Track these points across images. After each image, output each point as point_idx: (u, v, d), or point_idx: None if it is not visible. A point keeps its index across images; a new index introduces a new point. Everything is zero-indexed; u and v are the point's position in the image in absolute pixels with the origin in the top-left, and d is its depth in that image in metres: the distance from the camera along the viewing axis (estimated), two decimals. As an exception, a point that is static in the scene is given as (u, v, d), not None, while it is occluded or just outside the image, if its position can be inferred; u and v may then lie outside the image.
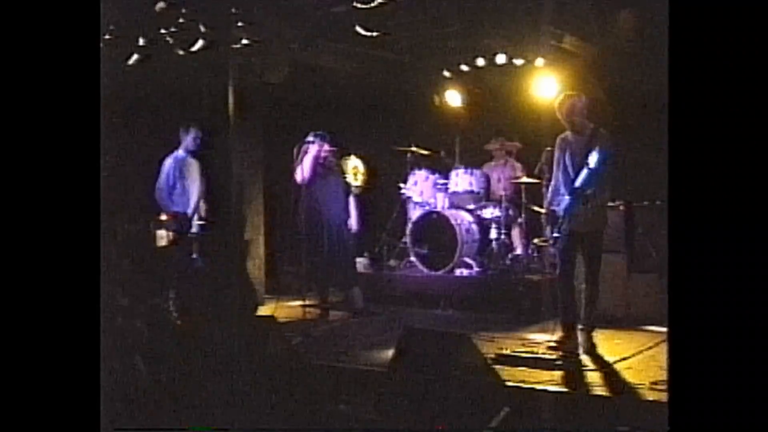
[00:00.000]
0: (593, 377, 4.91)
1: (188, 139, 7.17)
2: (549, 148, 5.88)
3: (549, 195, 5.84)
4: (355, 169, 8.19)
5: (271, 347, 5.37)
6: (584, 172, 5.33)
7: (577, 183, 5.38)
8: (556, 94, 7.45)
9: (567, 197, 5.45)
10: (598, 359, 5.34)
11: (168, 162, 7.20)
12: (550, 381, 4.76)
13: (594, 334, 5.59)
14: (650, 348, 5.63)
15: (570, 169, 5.53)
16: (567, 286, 5.62)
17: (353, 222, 7.45)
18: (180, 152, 7.21)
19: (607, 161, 5.31)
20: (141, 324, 5.22)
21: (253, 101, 7.88)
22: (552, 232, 5.55)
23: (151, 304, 6.15)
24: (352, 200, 7.51)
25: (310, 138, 7.19)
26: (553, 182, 5.79)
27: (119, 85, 7.35)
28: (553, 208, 5.61)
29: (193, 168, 7.13)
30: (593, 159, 5.29)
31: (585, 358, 5.33)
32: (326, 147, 7.27)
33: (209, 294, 6.63)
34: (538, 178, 7.71)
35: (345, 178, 7.65)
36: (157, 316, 5.98)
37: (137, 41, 6.67)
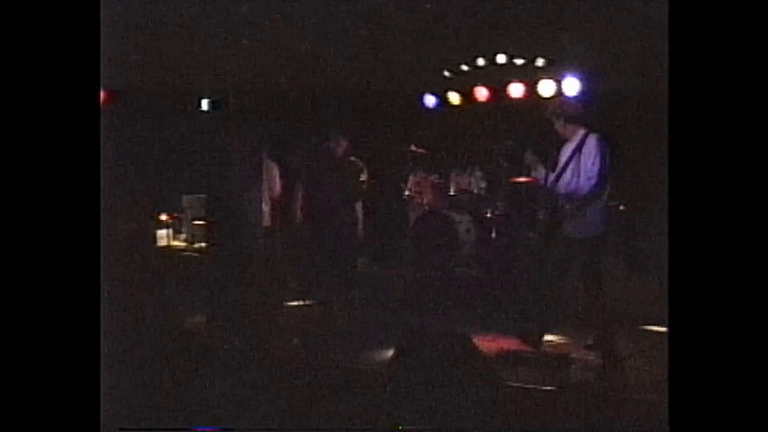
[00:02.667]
0: (593, 377, 4.91)
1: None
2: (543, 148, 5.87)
3: (546, 196, 5.80)
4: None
5: (271, 347, 5.38)
6: (582, 181, 5.33)
7: (580, 191, 5.35)
8: (552, 96, 7.53)
9: (567, 205, 5.42)
10: (598, 359, 5.35)
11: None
12: (550, 381, 4.76)
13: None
14: (650, 348, 5.64)
15: (567, 174, 5.48)
16: (556, 293, 5.63)
17: (359, 224, 7.41)
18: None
19: (606, 167, 5.32)
20: (141, 324, 5.23)
21: (253, 101, 7.89)
22: (548, 235, 5.57)
23: (151, 303, 6.14)
24: (359, 203, 7.44)
25: (326, 135, 7.11)
26: (549, 185, 5.77)
27: (119, 84, 7.38)
28: (546, 210, 5.61)
29: None
30: (592, 167, 5.30)
31: (585, 359, 5.33)
32: (342, 145, 7.18)
33: (212, 294, 6.63)
34: (537, 178, 7.71)
35: (355, 177, 7.51)
36: (157, 315, 5.97)
37: (137, 41, 6.68)
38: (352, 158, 7.95)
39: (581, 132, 5.47)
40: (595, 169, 5.30)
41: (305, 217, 7.22)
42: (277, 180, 7.54)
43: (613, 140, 5.52)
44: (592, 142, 5.39)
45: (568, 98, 5.73)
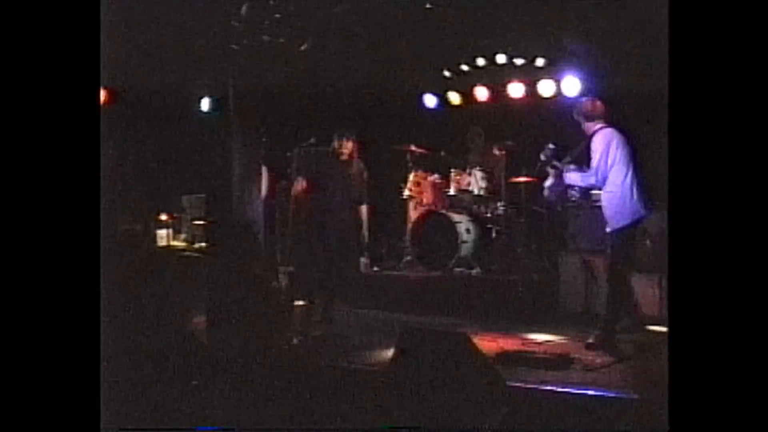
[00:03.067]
0: (593, 377, 4.91)
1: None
2: (551, 146, 5.90)
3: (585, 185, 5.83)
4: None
5: (271, 347, 5.37)
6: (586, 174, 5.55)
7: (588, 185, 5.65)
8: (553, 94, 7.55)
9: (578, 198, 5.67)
10: (598, 359, 5.34)
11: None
12: (550, 381, 4.76)
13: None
14: (650, 348, 5.64)
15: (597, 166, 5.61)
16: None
17: (364, 227, 7.35)
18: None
19: (610, 159, 5.45)
20: (141, 324, 5.23)
21: (253, 101, 7.88)
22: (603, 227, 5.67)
23: (151, 303, 6.14)
24: (364, 207, 7.36)
25: (331, 136, 7.03)
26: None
27: (119, 84, 7.37)
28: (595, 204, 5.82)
29: None
30: (592, 160, 5.48)
31: (584, 358, 5.33)
32: (348, 146, 7.07)
33: (212, 294, 6.62)
34: (538, 177, 7.71)
35: (360, 179, 7.37)
36: (157, 315, 5.97)
37: (137, 41, 6.68)
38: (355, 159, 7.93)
39: (596, 128, 5.62)
40: (594, 161, 5.47)
41: (306, 218, 7.18)
42: (265, 183, 7.49)
43: (628, 133, 5.64)
44: (598, 136, 5.55)
45: (586, 98, 5.87)
